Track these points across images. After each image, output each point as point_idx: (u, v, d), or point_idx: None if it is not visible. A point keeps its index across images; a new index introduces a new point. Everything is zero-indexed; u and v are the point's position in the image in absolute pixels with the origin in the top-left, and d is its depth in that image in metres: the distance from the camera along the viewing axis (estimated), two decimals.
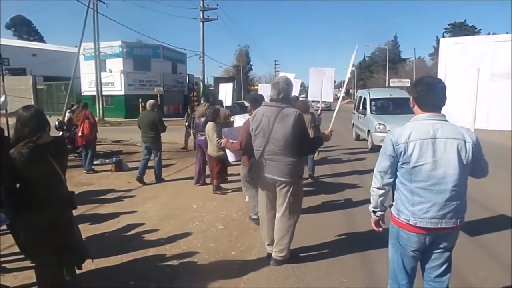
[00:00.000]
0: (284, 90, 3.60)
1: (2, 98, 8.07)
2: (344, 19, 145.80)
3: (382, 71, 58.19)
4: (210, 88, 37.77)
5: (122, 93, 28.31)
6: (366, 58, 77.77)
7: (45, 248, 2.89)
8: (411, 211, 2.30)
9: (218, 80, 46.78)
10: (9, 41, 40.40)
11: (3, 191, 3.06)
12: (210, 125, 6.45)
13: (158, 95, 27.63)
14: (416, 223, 2.28)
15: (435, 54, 60.26)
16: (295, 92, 10.35)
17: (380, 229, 2.62)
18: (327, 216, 5.39)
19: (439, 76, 3.93)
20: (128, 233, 4.90)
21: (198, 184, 7.49)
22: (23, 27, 65.26)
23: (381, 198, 2.47)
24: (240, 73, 53.66)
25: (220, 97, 11.19)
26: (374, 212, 2.56)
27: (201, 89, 30.34)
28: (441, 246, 2.35)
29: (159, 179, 7.98)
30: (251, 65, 67.29)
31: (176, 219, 5.45)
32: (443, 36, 63.10)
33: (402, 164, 2.31)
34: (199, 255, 4.14)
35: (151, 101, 8.34)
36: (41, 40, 60.29)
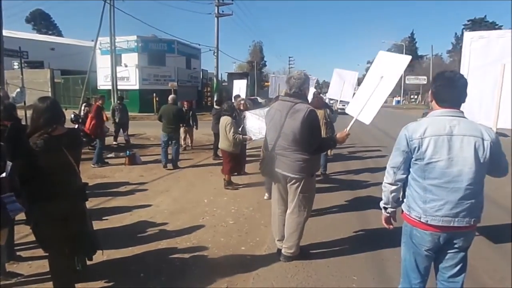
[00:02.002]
0: (295, 85, 3.55)
1: (18, 90, 8.20)
2: (361, 16, 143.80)
3: None
4: (223, 84, 37.87)
5: (137, 87, 28.54)
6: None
7: (58, 238, 2.93)
8: (422, 208, 2.24)
9: (231, 76, 46.92)
10: (28, 35, 41.29)
11: (18, 180, 3.14)
12: (227, 119, 6.45)
13: (172, 90, 27.87)
14: (427, 221, 2.23)
15: (453, 51, 59.08)
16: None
17: (391, 226, 2.58)
18: (338, 213, 5.34)
19: (461, 72, 3.82)
20: (140, 226, 4.94)
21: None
22: (42, 21, 66.45)
23: (393, 194, 2.42)
24: (254, 69, 53.56)
25: (235, 93, 11.19)
26: (385, 208, 2.52)
27: (214, 85, 30.46)
28: (456, 246, 2.29)
29: (175, 165, 8.79)
30: (265, 61, 67.21)
31: (187, 213, 5.48)
32: (462, 33, 61.77)
33: (416, 160, 2.25)
34: (209, 249, 4.15)
35: (173, 95, 9.20)
36: (59, 34, 61.34)
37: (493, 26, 56.65)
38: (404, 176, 2.36)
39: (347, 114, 4.23)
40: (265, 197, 6.06)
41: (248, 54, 64.47)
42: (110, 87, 25.74)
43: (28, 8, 64.29)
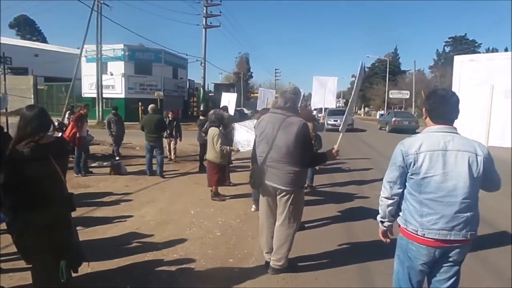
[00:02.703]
0: (291, 100, 3.61)
1: (1, 96, 8.05)
2: (346, 30, 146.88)
3: (382, 83, 58.52)
4: (210, 94, 37.95)
5: (122, 96, 28.33)
6: (366, 69, 78.06)
7: (42, 248, 2.86)
8: (419, 222, 2.29)
9: (218, 87, 47.12)
10: (12, 41, 40.52)
11: (1, 189, 3.06)
12: (214, 130, 6.45)
13: (158, 99, 27.73)
14: (424, 234, 2.26)
15: (434, 66, 60.73)
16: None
17: (388, 240, 2.60)
18: (325, 226, 5.36)
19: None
20: (125, 237, 4.86)
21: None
22: (26, 27, 65.42)
23: (389, 208, 2.45)
24: (240, 80, 53.85)
25: (223, 104, 11.21)
26: (382, 222, 2.55)
27: (201, 95, 30.47)
28: (450, 259, 2.32)
29: (161, 174, 8.89)
30: (252, 73, 67.71)
31: (173, 224, 5.42)
32: (444, 50, 63.72)
33: (412, 175, 2.30)
34: (196, 261, 4.10)
35: (152, 105, 9.37)
36: (43, 40, 60.43)
37: (473, 43, 58.69)
38: (400, 190, 2.40)
39: (335, 130, 4.37)
40: (252, 209, 6.05)
41: (234, 65, 64.86)
42: (95, 95, 25.51)
43: (12, 14, 63.39)
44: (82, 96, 28.47)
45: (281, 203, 3.67)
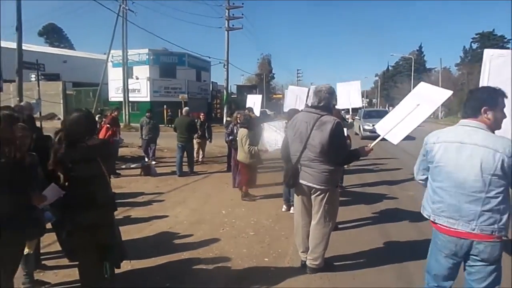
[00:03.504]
0: (326, 99, 3.61)
1: (33, 101, 8.37)
2: (369, 29, 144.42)
3: (406, 81, 57.30)
4: (232, 96, 38.14)
5: (148, 99, 28.91)
6: (390, 68, 76.98)
7: (89, 247, 2.96)
8: (432, 208, 2.43)
9: (241, 88, 47.33)
10: (41, 48, 42.10)
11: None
12: (243, 131, 6.51)
13: (183, 102, 28.16)
14: (435, 219, 2.40)
15: (461, 64, 58.95)
16: (301, 104, 10.34)
17: None
18: (359, 227, 5.30)
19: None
20: (160, 237, 4.96)
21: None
22: (54, 35, 67.84)
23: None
24: (262, 81, 53.94)
25: (248, 106, 11.26)
26: None
27: (224, 97, 30.71)
28: (478, 257, 2.30)
29: (192, 171, 9.52)
30: (273, 74, 67.55)
31: (206, 224, 5.49)
32: (471, 46, 61.73)
33: (428, 163, 2.48)
34: (232, 260, 4.15)
35: (186, 108, 10.16)
36: (71, 47, 62.44)
37: (501, 39, 56.61)
38: (424, 177, 2.59)
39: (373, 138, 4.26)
40: (283, 209, 6.06)
41: (256, 66, 65.02)
42: (121, 99, 26.11)
43: (41, 22, 65.86)
44: (109, 100, 29.24)
45: (316, 202, 3.66)
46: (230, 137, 8.00)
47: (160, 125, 24.38)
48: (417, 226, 5.23)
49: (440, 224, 2.37)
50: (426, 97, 3.80)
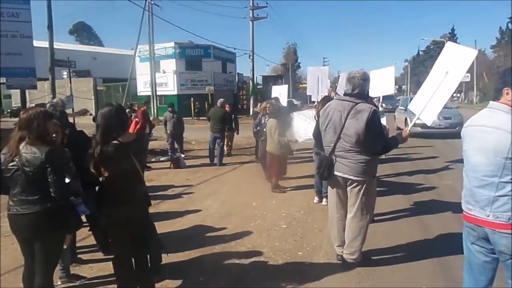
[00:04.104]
0: (360, 86, 3.41)
1: (64, 98, 8.57)
2: (397, 12, 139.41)
3: None
4: (258, 87, 37.96)
5: (175, 92, 29.22)
6: (421, 53, 74.27)
7: (124, 242, 2.94)
8: (462, 194, 2.37)
9: (266, 79, 47.03)
10: (72, 46, 43.40)
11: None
12: (272, 121, 6.38)
13: (209, 94, 28.32)
14: (462, 206, 2.35)
15: (497, 45, 55.92)
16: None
17: None
18: (396, 219, 5.07)
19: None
20: (192, 230, 4.94)
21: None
22: (84, 32, 69.79)
23: None
24: (288, 71, 53.35)
25: (273, 96, 11.10)
26: None
27: (250, 88, 30.61)
28: (497, 249, 2.14)
29: (220, 162, 9.53)
30: (299, 63, 66.60)
31: (237, 216, 5.43)
32: (507, 27, 58.34)
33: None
34: (265, 254, 4.06)
35: (221, 99, 10.37)
36: (100, 44, 64.05)
37: None
38: None
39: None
40: (315, 201, 5.92)
41: (282, 56, 64.30)
42: (149, 93, 26.55)
43: (72, 21, 67.84)
44: (138, 94, 29.79)
45: (352, 194, 3.50)
46: (258, 128, 7.86)
47: (188, 118, 24.81)
48: (458, 217, 4.90)
49: (463, 210, 2.33)
50: (454, 61, 3.55)
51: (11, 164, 2.65)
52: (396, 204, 5.65)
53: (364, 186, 3.42)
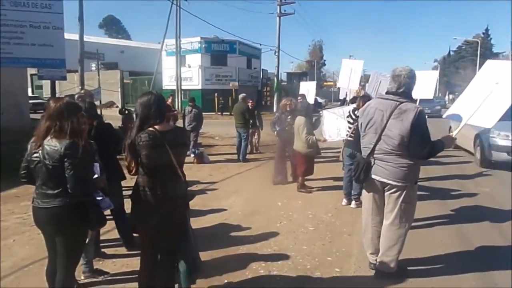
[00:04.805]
0: (406, 84, 3.15)
1: (94, 89, 8.61)
2: (428, 10, 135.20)
3: (470, 67, 53.14)
4: (282, 84, 37.64)
5: (199, 87, 29.28)
6: (452, 53, 71.83)
7: (152, 248, 2.79)
8: None
9: (291, 76, 46.60)
10: (101, 39, 44.27)
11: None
12: (301, 119, 6.17)
13: (233, 90, 28.24)
14: None
15: None
16: (383, 89, 9.62)
17: None
18: (431, 227, 4.77)
19: None
20: (216, 228, 4.81)
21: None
22: (113, 26, 71.20)
23: None
24: (314, 68, 52.71)
25: (301, 93, 10.84)
26: None
27: (275, 84, 30.36)
28: None
29: (243, 159, 9.50)
30: (325, 60, 65.75)
31: (262, 216, 5.26)
32: None
33: None
34: (292, 257, 3.87)
35: (243, 94, 10.30)
36: (127, 38, 65.17)
37: None
38: None
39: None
40: (343, 203, 5.68)
41: (307, 53, 63.60)
42: (174, 87, 26.69)
43: (101, 15, 69.32)
44: (163, 88, 30.00)
45: (390, 200, 3.26)
46: (276, 127, 7.42)
47: (211, 113, 24.81)
48: (500, 228, 4.64)
49: None
50: (499, 74, 3.30)
51: (35, 155, 2.57)
52: (431, 210, 5.33)
53: (405, 192, 3.17)
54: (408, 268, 3.55)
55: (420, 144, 3.02)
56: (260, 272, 3.57)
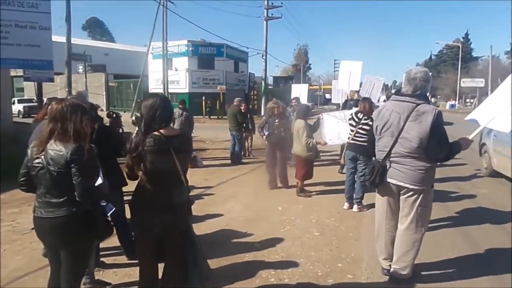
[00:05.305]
0: (422, 88, 3.08)
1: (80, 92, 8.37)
2: (411, 15, 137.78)
3: (451, 71, 54.33)
4: (269, 87, 37.65)
5: (187, 90, 28.95)
6: (433, 57, 73.33)
7: (154, 256, 2.65)
8: None
9: (277, 79, 46.71)
10: (85, 41, 43.45)
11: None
12: (300, 122, 6.07)
13: (221, 93, 28.07)
14: None
15: None
16: (376, 93, 9.64)
17: None
18: (437, 227, 4.71)
19: None
20: (218, 235, 4.65)
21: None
22: (96, 28, 70.09)
23: None
24: (300, 72, 52.99)
25: (293, 96, 10.81)
26: None
27: (262, 88, 30.31)
28: None
29: (236, 162, 9.52)
30: (310, 64, 66.30)
31: (264, 221, 5.13)
32: None
33: None
34: (302, 265, 3.75)
35: (237, 98, 10.55)
36: (112, 40, 64.21)
37: None
38: None
39: None
40: (345, 207, 5.60)
41: (292, 57, 63.99)
42: (161, 91, 26.27)
43: (84, 17, 68.16)
44: (149, 91, 29.56)
45: (406, 203, 3.18)
46: (265, 131, 7.15)
47: (199, 117, 24.52)
48: (504, 229, 4.63)
49: None
50: None
51: (36, 161, 2.38)
52: (433, 213, 5.27)
53: (421, 196, 3.10)
54: (422, 273, 3.48)
55: (439, 146, 2.95)
56: (271, 281, 3.44)
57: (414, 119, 2.98)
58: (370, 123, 5.14)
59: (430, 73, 3.18)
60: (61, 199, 2.37)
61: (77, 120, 2.43)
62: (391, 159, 3.14)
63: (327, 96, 54.37)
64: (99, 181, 2.79)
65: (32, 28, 8.77)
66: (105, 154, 3.13)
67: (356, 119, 5.31)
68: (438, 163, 3.30)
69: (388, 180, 3.18)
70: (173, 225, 2.55)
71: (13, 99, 26.34)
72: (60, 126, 2.39)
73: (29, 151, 2.46)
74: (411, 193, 3.12)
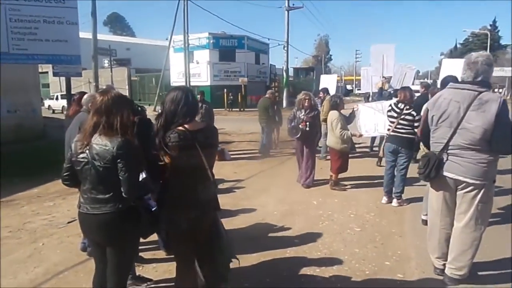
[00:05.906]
0: (484, 72, 2.84)
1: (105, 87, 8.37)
2: (433, 4, 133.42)
3: None
4: (290, 79, 37.28)
5: (208, 83, 28.97)
6: (459, 45, 70.92)
7: (186, 251, 2.55)
8: None
9: (297, 71, 46.16)
10: (106, 37, 44.00)
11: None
12: (334, 114, 5.86)
13: (242, 86, 27.95)
14: None
15: None
16: (408, 82, 9.26)
17: None
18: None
19: None
20: (254, 229, 4.54)
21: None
22: (117, 23, 70.93)
23: None
24: (321, 63, 52.22)
25: (322, 86, 10.53)
26: None
27: (284, 80, 30.01)
28: None
29: (266, 152, 9.49)
30: (331, 55, 65.18)
31: (300, 216, 4.98)
32: None
33: None
34: (346, 262, 3.58)
35: (270, 90, 10.85)
36: (132, 35, 64.90)
37: None
38: None
39: None
40: (383, 201, 5.39)
41: (313, 48, 63.01)
42: (183, 84, 26.37)
43: (105, 12, 68.99)
44: (171, 85, 29.72)
45: (465, 199, 2.96)
46: (293, 124, 6.64)
47: (221, 109, 24.49)
48: None
49: None
50: None
51: (81, 156, 2.30)
52: None
53: (482, 191, 2.88)
54: (478, 273, 3.26)
55: (505, 138, 2.72)
56: (318, 280, 3.29)
57: (477, 108, 2.75)
58: (413, 112, 4.92)
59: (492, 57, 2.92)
60: (107, 195, 2.29)
61: (122, 113, 2.33)
62: (448, 151, 2.93)
63: (348, 87, 53.53)
64: (142, 175, 2.72)
65: (60, 24, 8.79)
66: (145, 148, 3.04)
67: (398, 110, 5.05)
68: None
69: (445, 173, 2.97)
70: (201, 221, 2.48)
71: (55, 94, 27.02)
72: (105, 119, 2.30)
73: (72, 146, 2.39)
74: (470, 188, 2.90)
